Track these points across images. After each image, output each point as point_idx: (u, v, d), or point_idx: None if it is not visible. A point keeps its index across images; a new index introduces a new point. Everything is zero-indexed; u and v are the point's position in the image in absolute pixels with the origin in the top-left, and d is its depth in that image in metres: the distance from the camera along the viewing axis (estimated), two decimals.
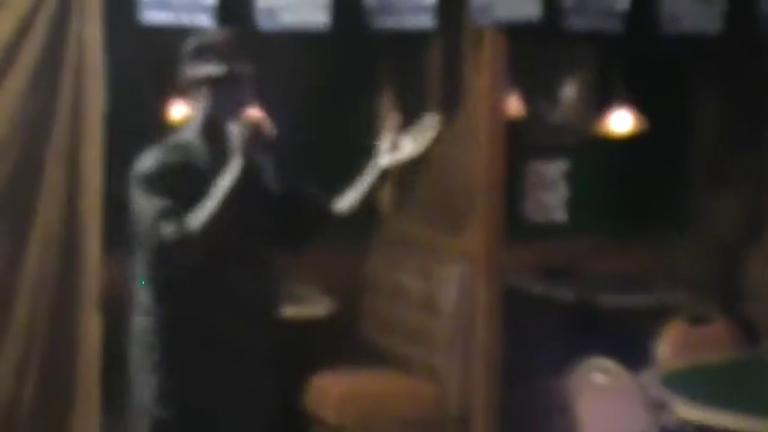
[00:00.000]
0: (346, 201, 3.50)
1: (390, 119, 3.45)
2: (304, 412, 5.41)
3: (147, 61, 5.42)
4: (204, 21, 4.89)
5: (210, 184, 3.15)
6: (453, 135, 5.47)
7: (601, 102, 6.31)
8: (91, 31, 4.79)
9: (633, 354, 4.27)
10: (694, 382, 4.19)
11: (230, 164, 3.14)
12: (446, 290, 5.33)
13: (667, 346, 4.65)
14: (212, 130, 3.25)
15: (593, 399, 3.99)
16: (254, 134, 3.15)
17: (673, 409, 3.80)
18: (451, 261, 5.36)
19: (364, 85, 6.05)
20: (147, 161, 3.23)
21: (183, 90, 3.34)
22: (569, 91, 6.45)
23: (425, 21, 5.13)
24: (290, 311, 5.34)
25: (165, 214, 3.13)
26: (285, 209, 3.37)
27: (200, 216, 3.12)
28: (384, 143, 3.42)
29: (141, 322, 3.28)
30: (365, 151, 5.95)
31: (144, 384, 3.27)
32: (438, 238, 5.59)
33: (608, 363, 3.92)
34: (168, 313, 3.24)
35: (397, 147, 3.40)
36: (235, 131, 3.14)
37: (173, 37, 4.93)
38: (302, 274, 5.66)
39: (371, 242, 6.01)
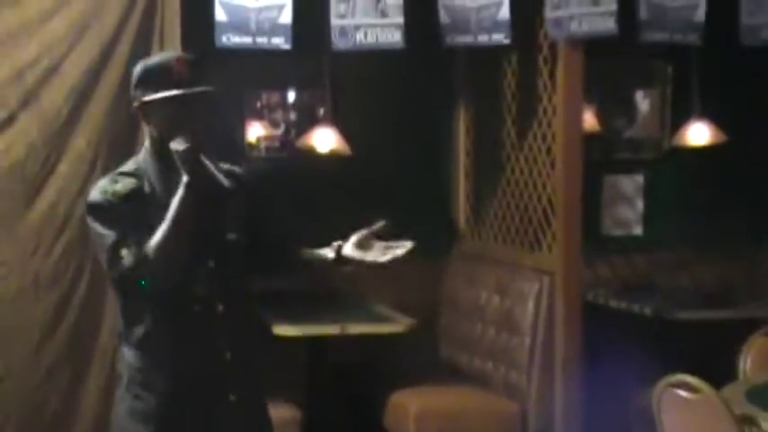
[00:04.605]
0: (300, 258, 3.47)
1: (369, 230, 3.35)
2: (384, 430, 5.43)
3: (223, 84, 5.49)
4: (280, 43, 4.95)
5: (160, 210, 3.15)
6: (529, 151, 5.48)
7: (677, 115, 6.28)
8: None
9: (716, 368, 4.23)
10: None
11: (180, 183, 3.14)
12: (524, 306, 5.33)
13: (751, 360, 4.59)
14: (161, 152, 3.22)
15: (676, 414, 3.95)
16: (190, 150, 3.12)
17: (759, 424, 3.75)
18: (529, 277, 5.35)
19: (439, 102, 6.07)
20: (97, 191, 3.22)
21: (135, 114, 3.32)
22: (645, 105, 6.42)
23: (499, 37, 5.14)
24: (368, 329, 5.43)
25: (120, 242, 3.12)
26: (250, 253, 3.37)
27: (155, 240, 3.12)
28: (356, 237, 3.35)
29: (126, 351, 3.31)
30: (441, 167, 6.06)
31: (120, 400, 3.32)
32: (515, 255, 5.58)
33: (691, 378, 3.88)
34: (141, 337, 3.25)
35: (365, 248, 3.33)
36: (174, 150, 3.14)
37: (249, 59, 5.07)
38: (380, 294, 5.70)
39: (449, 259, 6.02)
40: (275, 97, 5.89)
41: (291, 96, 5.91)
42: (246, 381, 3.32)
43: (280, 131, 5.89)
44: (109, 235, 3.13)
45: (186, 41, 4.88)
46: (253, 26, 4.93)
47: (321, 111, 5.83)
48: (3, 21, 4.74)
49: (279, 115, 5.90)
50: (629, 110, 6.40)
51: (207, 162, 3.24)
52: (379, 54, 5.12)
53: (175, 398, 3.24)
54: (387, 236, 3.33)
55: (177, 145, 3.13)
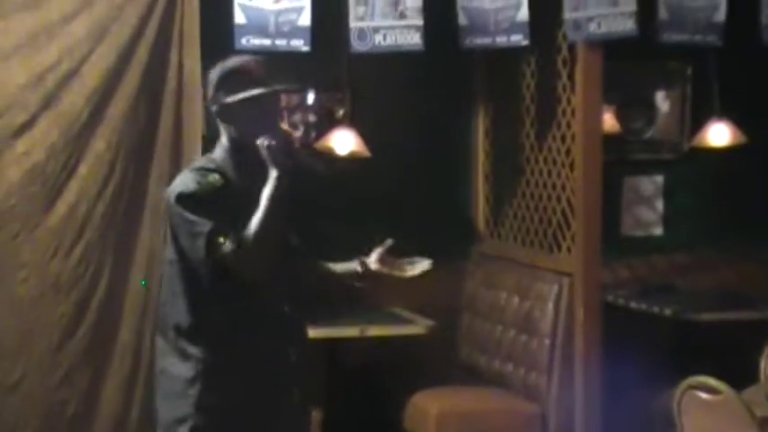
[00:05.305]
0: (325, 271, 3.66)
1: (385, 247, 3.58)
2: (403, 431, 5.43)
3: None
4: (299, 45, 4.96)
5: (243, 207, 3.25)
6: (548, 152, 5.47)
7: (697, 116, 6.25)
8: (190, 58, 4.90)
9: (737, 370, 4.21)
10: None
11: (269, 177, 3.26)
12: (544, 308, 5.31)
13: None
14: (241, 154, 3.36)
15: (697, 416, 3.94)
16: (280, 145, 3.26)
17: None
18: (548, 279, 5.34)
19: (458, 103, 6.06)
20: (187, 182, 3.32)
21: (213, 115, 3.42)
22: (665, 106, 6.40)
23: (518, 39, 5.13)
24: (387, 331, 5.43)
25: (218, 230, 3.22)
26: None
27: (250, 229, 3.22)
28: (376, 254, 3.57)
29: (178, 339, 3.36)
30: (460, 169, 6.05)
31: (179, 396, 3.34)
32: (534, 256, 5.57)
33: (712, 380, 3.87)
34: (212, 335, 3.33)
35: (385, 263, 3.57)
36: (261, 147, 3.26)
37: (269, 62, 5.07)
38: (399, 296, 5.70)
39: (468, 261, 6.01)
40: (294, 99, 5.89)
41: (311, 98, 5.92)
42: (306, 380, 3.47)
43: (299, 133, 5.90)
44: (205, 223, 3.23)
45: (205, 44, 4.90)
46: (272, 28, 4.94)
47: (340, 113, 5.84)
48: (23, 24, 4.76)
49: (298, 117, 5.91)
50: (648, 111, 6.37)
51: (297, 153, 3.35)
52: (397, 56, 5.12)
53: (246, 394, 3.33)
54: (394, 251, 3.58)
55: (266, 140, 3.25)
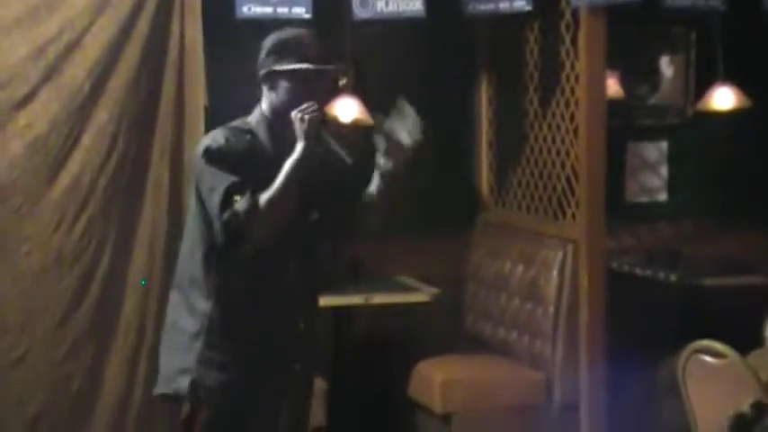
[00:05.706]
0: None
1: (376, 121, 3.59)
2: (409, 400, 5.44)
3: (244, 55, 5.46)
4: (301, 13, 4.94)
5: (269, 171, 3.31)
6: (552, 119, 5.45)
7: (701, 81, 6.23)
8: (191, 29, 4.87)
9: (742, 334, 4.21)
10: None
11: (296, 148, 3.33)
12: (548, 275, 5.31)
13: None
14: (277, 121, 3.43)
15: (702, 380, 3.94)
16: (314, 119, 3.32)
17: None
18: (553, 246, 5.33)
19: (461, 70, 6.04)
20: (218, 139, 3.38)
21: (258, 78, 3.47)
22: (669, 71, 6.37)
23: (521, 4, 5.11)
24: (392, 299, 5.43)
25: (235, 187, 3.28)
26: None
27: (267, 193, 3.29)
28: (380, 147, 3.57)
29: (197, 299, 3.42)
30: (464, 137, 6.03)
31: (184, 349, 3.42)
32: (539, 224, 5.56)
33: (717, 344, 3.87)
34: (221, 292, 3.39)
35: (392, 142, 3.57)
36: (296, 118, 3.33)
37: (269, 30, 5.04)
38: (404, 265, 5.69)
39: (472, 229, 6.01)
40: None
41: None
42: (310, 352, 3.52)
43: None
44: (226, 178, 3.29)
45: (207, 13, 4.87)
46: None
47: (343, 80, 5.79)
48: None
49: None
50: (652, 76, 6.35)
51: (327, 137, 3.44)
52: (400, 23, 5.10)
53: (248, 356, 3.39)
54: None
55: (300, 113, 3.31)
